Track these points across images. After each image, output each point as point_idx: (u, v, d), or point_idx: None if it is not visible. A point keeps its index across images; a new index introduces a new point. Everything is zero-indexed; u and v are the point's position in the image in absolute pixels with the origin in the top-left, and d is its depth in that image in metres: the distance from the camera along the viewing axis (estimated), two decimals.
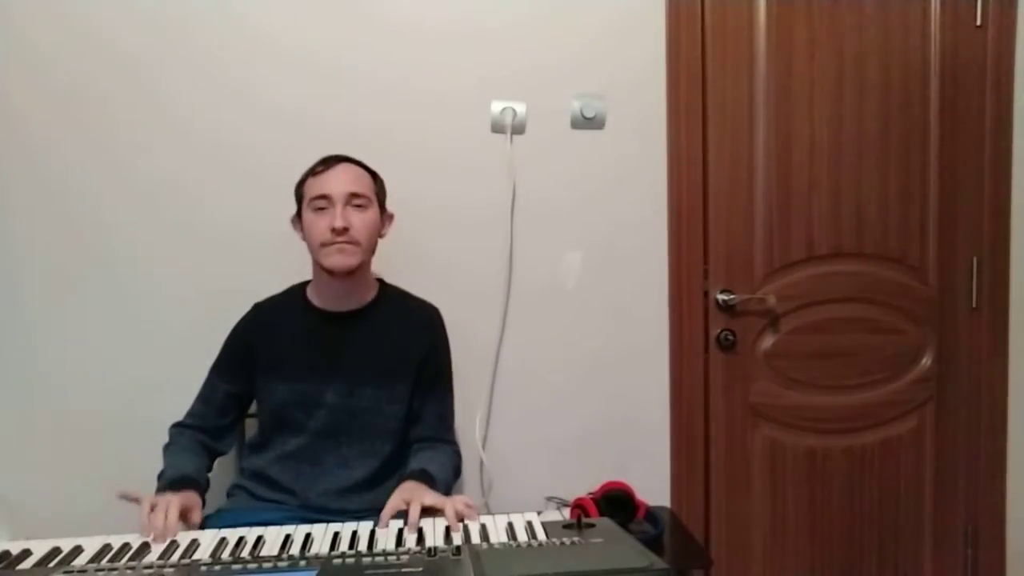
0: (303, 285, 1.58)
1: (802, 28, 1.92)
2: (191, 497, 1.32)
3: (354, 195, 1.44)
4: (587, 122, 1.87)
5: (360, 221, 1.44)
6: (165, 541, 1.17)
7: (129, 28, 1.71)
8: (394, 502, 1.27)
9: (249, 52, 1.75)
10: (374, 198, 1.49)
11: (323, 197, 1.43)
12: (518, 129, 1.84)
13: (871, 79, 1.95)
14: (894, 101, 1.96)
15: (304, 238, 1.49)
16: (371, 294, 1.56)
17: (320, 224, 1.44)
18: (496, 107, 1.83)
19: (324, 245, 1.44)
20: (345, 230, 1.42)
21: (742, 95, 1.92)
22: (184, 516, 1.27)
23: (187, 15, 1.73)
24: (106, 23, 1.71)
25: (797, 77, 1.93)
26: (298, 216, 1.51)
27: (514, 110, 1.84)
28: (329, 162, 1.48)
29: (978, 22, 1.98)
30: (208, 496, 1.45)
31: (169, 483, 1.34)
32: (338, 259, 1.44)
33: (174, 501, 1.25)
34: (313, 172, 1.48)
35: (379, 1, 1.79)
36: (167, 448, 1.48)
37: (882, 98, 1.96)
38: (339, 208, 1.42)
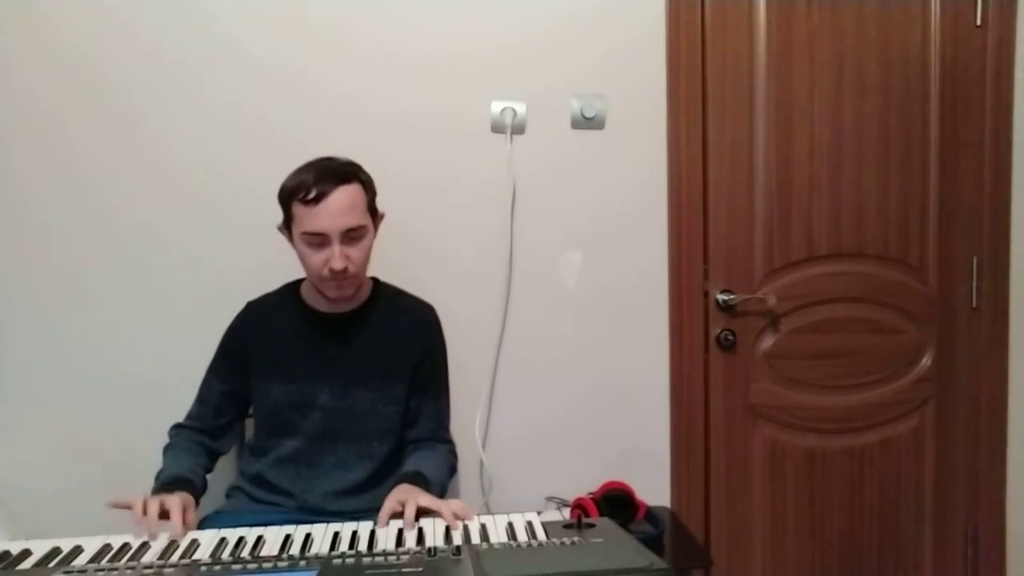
0: (297, 283, 1.57)
1: (802, 28, 1.92)
2: (185, 497, 1.31)
3: (351, 230, 1.37)
4: (587, 122, 1.87)
5: (356, 252, 1.39)
6: (157, 533, 1.17)
7: (153, 17, 1.71)
8: (389, 504, 1.26)
9: (234, 60, 1.75)
10: (368, 216, 1.41)
11: (318, 234, 1.36)
12: (518, 129, 1.85)
13: (871, 79, 1.95)
14: (894, 101, 1.96)
15: (294, 247, 1.43)
16: (365, 294, 1.54)
17: (316, 259, 1.38)
18: (496, 107, 1.83)
19: (322, 279, 1.41)
20: (345, 270, 1.38)
21: (742, 95, 1.92)
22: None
23: (214, 14, 1.73)
24: (131, 11, 1.70)
25: (797, 77, 1.93)
26: (286, 226, 1.43)
27: (514, 110, 1.84)
28: (320, 186, 1.34)
29: (978, 22, 1.98)
30: (207, 497, 1.45)
31: (163, 484, 1.33)
32: (336, 293, 1.44)
33: (168, 499, 1.24)
34: (303, 199, 1.35)
35: (379, 2, 1.79)
36: (165, 450, 1.48)
37: (882, 98, 1.96)
38: (336, 248, 1.35)
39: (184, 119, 1.74)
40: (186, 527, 1.22)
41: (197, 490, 1.38)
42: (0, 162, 1.70)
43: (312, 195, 1.35)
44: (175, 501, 1.24)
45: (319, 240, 1.37)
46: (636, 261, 1.92)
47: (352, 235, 1.38)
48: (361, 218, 1.39)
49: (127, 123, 1.73)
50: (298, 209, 1.37)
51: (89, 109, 1.71)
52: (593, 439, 1.92)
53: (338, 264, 1.36)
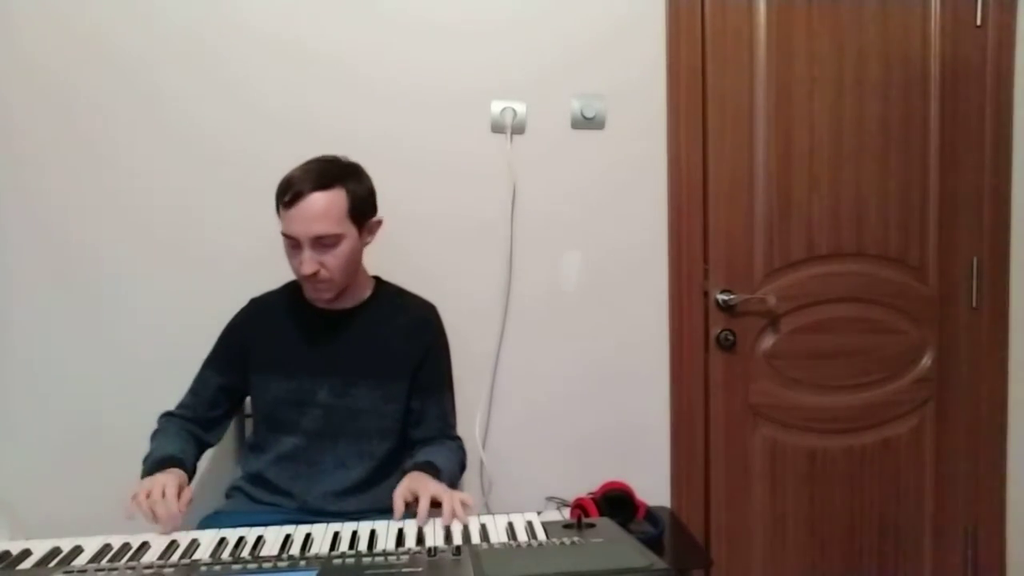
0: (298, 282, 1.56)
1: (802, 28, 1.92)
2: (178, 474, 1.31)
3: (320, 237, 1.36)
4: (587, 122, 1.87)
5: (331, 259, 1.39)
6: (172, 520, 1.18)
7: (125, 31, 1.71)
8: (401, 492, 1.27)
9: (245, 56, 1.75)
10: (347, 224, 1.39)
11: (291, 237, 1.38)
12: (518, 129, 1.85)
13: (871, 79, 1.95)
14: (894, 101, 1.96)
15: None
16: (366, 292, 1.55)
17: (293, 261, 1.41)
18: (496, 107, 1.83)
19: (300, 279, 1.44)
20: (315, 274, 1.39)
21: (742, 95, 1.92)
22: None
23: (183, 17, 1.73)
24: (103, 26, 1.71)
25: (797, 77, 1.93)
26: None
27: (514, 110, 1.84)
28: (296, 188, 1.35)
29: (978, 22, 1.98)
30: (207, 497, 1.45)
31: (153, 464, 1.33)
32: (314, 295, 1.47)
33: (166, 479, 1.24)
34: (283, 200, 1.37)
35: (379, 2, 1.79)
36: (153, 435, 1.47)
37: (882, 98, 1.96)
38: (306, 252, 1.37)
39: (177, 141, 1.74)
40: (181, 509, 1.22)
41: (188, 469, 1.38)
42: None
43: (287, 197, 1.36)
44: (170, 479, 1.24)
45: (292, 242, 1.39)
46: (636, 261, 1.92)
47: (323, 242, 1.38)
48: (333, 227, 1.38)
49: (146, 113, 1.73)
50: (279, 208, 1.40)
51: (108, 97, 1.72)
52: (593, 439, 1.91)
53: (306, 269, 1.38)
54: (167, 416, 1.52)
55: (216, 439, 1.56)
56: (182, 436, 1.46)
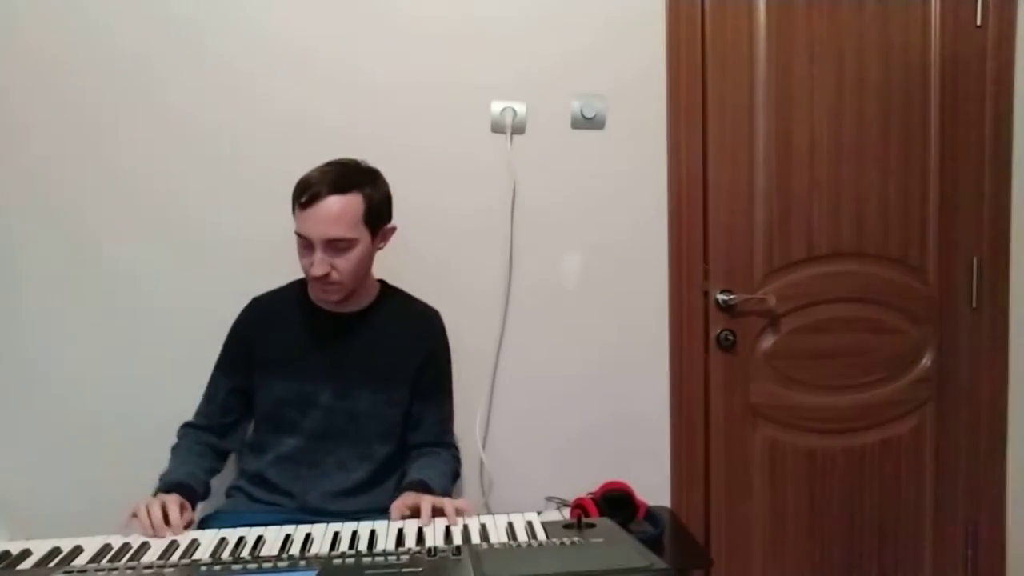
0: (303, 282, 1.56)
1: (802, 28, 1.92)
2: (180, 500, 1.31)
3: (333, 241, 1.37)
4: (587, 122, 1.87)
5: (343, 263, 1.39)
6: (166, 534, 1.18)
7: (128, 30, 1.71)
8: (398, 507, 1.27)
9: (247, 54, 1.75)
10: (361, 229, 1.40)
11: (304, 237, 1.38)
12: (518, 129, 1.85)
13: (871, 79, 1.95)
14: (894, 101, 1.96)
15: None
16: (371, 296, 1.55)
17: (303, 261, 1.42)
18: (496, 107, 1.83)
19: (309, 279, 1.44)
20: (325, 276, 1.39)
21: (742, 95, 1.92)
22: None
23: (186, 17, 1.73)
24: (106, 25, 1.70)
25: (797, 77, 1.93)
26: None
27: (514, 110, 1.84)
28: (313, 190, 1.35)
29: (978, 22, 1.98)
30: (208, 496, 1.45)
31: (163, 489, 1.33)
32: (321, 296, 1.47)
33: (167, 498, 1.25)
34: (299, 200, 1.37)
35: (379, 1, 1.79)
36: (173, 450, 1.48)
37: (882, 98, 1.96)
38: (319, 254, 1.37)
39: (180, 141, 1.74)
40: (182, 525, 1.22)
41: (196, 496, 1.38)
42: (3, 166, 1.70)
43: (304, 198, 1.36)
44: (173, 499, 1.25)
45: (305, 243, 1.39)
46: (636, 261, 1.92)
47: (336, 245, 1.38)
48: (347, 231, 1.38)
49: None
50: (295, 208, 1.40)
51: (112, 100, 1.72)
52: (593, 439, 1.91)
53: (317, 271, 1.38)
54: (185, 428, 1.53)
55: (234, 445, 1.56)
56: (194, 452, 1.47)
